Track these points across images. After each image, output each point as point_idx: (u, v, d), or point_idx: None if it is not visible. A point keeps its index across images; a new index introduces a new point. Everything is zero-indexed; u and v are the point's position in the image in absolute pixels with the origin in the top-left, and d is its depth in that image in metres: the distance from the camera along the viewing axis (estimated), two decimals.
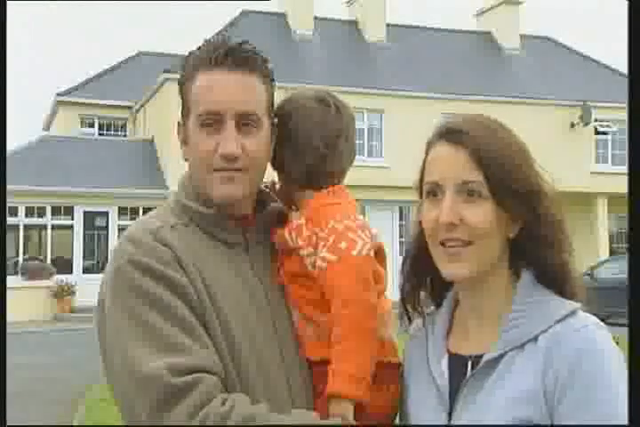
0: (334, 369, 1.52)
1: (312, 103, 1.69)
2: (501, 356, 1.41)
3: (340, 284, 1.54)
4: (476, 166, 1.42)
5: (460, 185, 1.42)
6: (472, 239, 1.42)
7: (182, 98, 1.66)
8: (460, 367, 1.48)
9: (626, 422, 1.29)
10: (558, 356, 1.35)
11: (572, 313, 1.40)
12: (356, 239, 1.57)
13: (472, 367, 1.46)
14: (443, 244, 1.45)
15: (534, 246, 1.46)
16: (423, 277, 1.59)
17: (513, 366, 1.39)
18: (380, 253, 1.68)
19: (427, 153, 1.51)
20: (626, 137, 21.08)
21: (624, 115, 21.29)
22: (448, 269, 1.46)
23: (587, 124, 23.96)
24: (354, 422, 1.50)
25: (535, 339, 1.39)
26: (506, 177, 1.41)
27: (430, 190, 1.47)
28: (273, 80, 1.69)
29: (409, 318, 1.65)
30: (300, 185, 1.69)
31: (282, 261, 1.68)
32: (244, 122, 1.60)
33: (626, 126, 20.52)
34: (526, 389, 1.35)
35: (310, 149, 1.66)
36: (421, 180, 1.52)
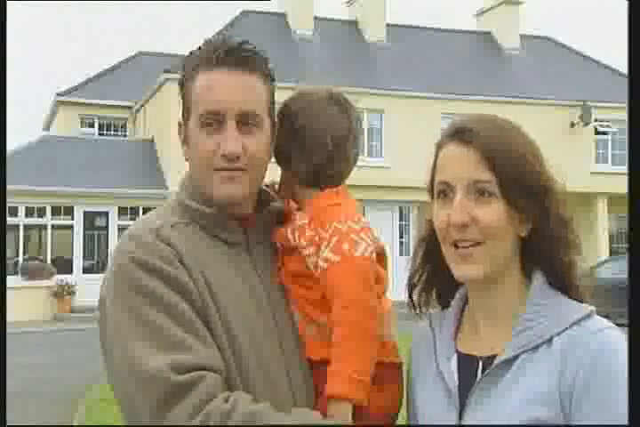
0: (334, 370, 1.52)
1: (323, 102, 1.68)
2: (515, 357, 1.41)
3: (341, 285, 1.54)
4: (486, 166, 1.41)
5: (471, 185, 1.42)
6: (484, 239, 1.42)
7: (183, 98, 1.66)
8: (469, 368, 1.48)
9: None
10: (575, 358, 1.35)
11: (588, 316, 1.41)
12: (359, 241, 1.57)
13: (483, 368, 1.45)
14: (455, 245, 1.44)
15: (545, 246, 1.46)
16: (435, 276, 1.58)
17: (527, 367, 1.39)
18: (381, 254, 1.68)
19: (437, 153, 1.50)
20: (626, 137, 21.08)
21: (624, 115, 21.28)
22: (461, 270, 1.45)
23: (587, 124, 23.94)
24: (353, 424, 1.50)
25: (549, 341, 1.39)
26: (517, 176, 1.41)
27: (441, 190, 1.47)
28: (274, 80, 1.69)
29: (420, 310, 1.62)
30: (305, 184, 1.69)
31: (282, 261, 1.68)
32: (245, 122, 1.60)
33: (626, 126, 20.51)
34: (541, 390, 1.35)
35: (320, 149, 1.65)
36: (432, 180, 1.51)
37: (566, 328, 1.39)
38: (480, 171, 1.42)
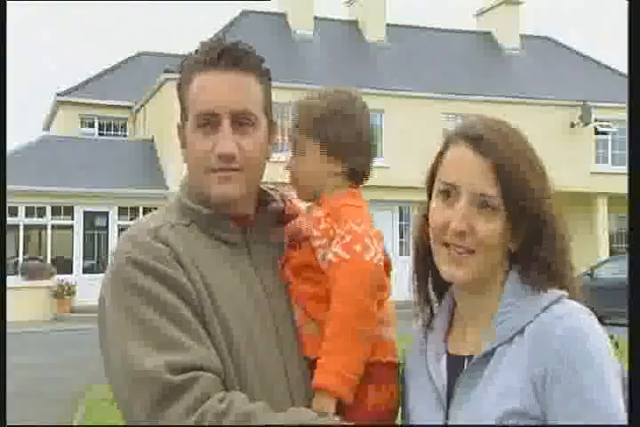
0: (322, 363, 1.53)
1: (365, 105, 1.74)
2: (492, 352, 1.42)
3: (344, 283, 1.55)
4: (495, 180, 1.42)
5: (476, 194, 1.43)
6: (477, 249, 1.43)
7: (181, 100, 1.67)
8: (457, 368, 1.49)
9: (613, 407, 1.30)
10: (543, 345, 1.35)
11: (556, 301, 1.41)
12: (370, 246, 1.59)
13: None
14: (446, 244, 1.45)
15: (528, 261, 1.46)
16: (429, 273, 1.59)
17: (502, 360, 1.40)
18: (387, 265, 1.68)
19: (443, 150, 1.50)
20: (626, 137, 21.08)
21: (624, 115, 21.28)
22: (449, 271, 1.46)
23: (587, 124, 23.96)
24: (332, 417, 1.49)
25: (522, 331, 1.40)
26: (521, 196, 1.42)
27: (444, 190, 1.47)
28: (270, 79, 1.69)
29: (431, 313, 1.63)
30: (351, 181, 1.71)
31: (288, 256, 1.68)
32: (240, 121, 1.60)
33: (626, 126, 20.51)
34: (515, 381, 1.36)
35: (371, 148, 1.72)
36: (433, 175, 1.51)
37: (536, 315, 1.39)
38: (488, 183, 1.42)
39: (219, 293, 1.56)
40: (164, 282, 1.52)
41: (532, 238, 1.45)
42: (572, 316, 1.38)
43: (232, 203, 1.63)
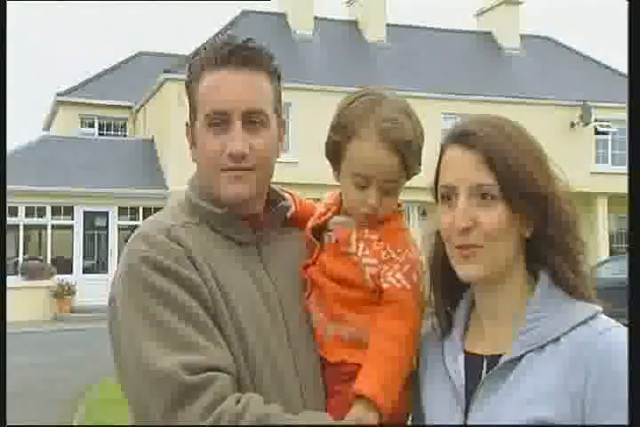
0: (370, 373, 1.52)
1: None
2: (520, 357, 1.41)
3: (409, 310, 1.59)
4: (488, 169, 1.42)
5: (473, 188, 1.43)
6: (486, 243, 1.43)
7: (189, 98, 1.66)
8: (475, 367, 1.48)
9: None
10: (583, 358, 1.35)
11: (594, 316, 1.41)
12: (420, 278, 1.61)
13: (488, 367, 1.45)
14: (460, 246, 1.45)
15: (546, 249, 1.46)
16: (440, 276, 1.59)
17: (532, 366, 1.39)
18: None
19: (440, 155, 1.51)
20: (626, 137, 21.08)
21: (624, 115, 21.27)
22: (463, 269, 1.46)
23: (587, 124, 23.96)
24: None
25: (557, 340, 1.39)
26: (517, 180, 1.41)
27: (445, 194, 1.47)
28: (280, 78, 1.68)
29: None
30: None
31: (318, 257, 1.66)
32: (252, 121, 1.59)
33: (626, 126, 20.51)
34: (546, 390, 1.35)
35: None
36: (436, 183, 1.52)
37: (573, 328, 1.39)
38: (482, 174, 1.42)
39: (231, 293, 1.56)
40: (179, 282, 1.51)
41: (540, 221, 1.44)
42: (612, 332, 1.38)
43: (243, 202, 1.63)
